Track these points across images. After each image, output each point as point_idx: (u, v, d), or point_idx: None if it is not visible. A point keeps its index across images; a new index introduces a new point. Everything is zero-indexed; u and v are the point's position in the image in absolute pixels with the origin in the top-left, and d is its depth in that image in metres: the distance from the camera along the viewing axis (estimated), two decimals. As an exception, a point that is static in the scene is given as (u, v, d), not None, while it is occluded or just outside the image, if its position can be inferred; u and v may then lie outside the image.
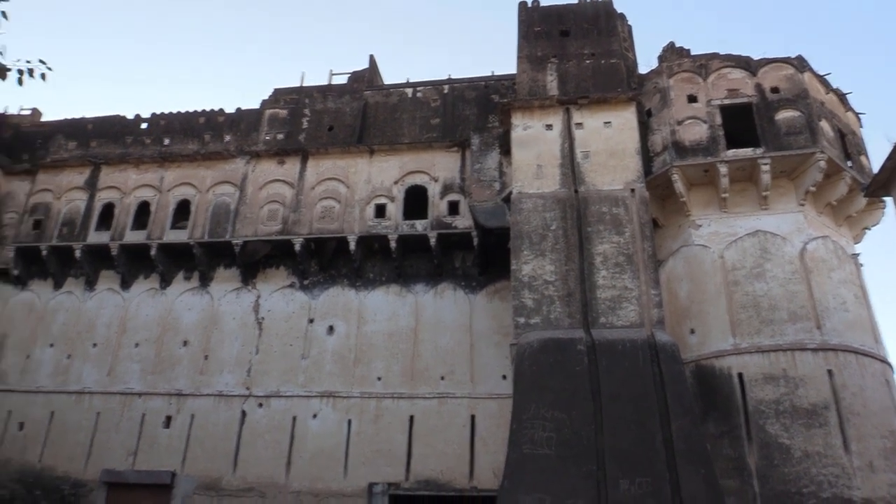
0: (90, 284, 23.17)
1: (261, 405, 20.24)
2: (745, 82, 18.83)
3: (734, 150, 17.82)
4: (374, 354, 20.33)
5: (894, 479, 14.86)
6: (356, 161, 22.25)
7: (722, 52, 19.53)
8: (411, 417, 19.33)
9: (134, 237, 22.62)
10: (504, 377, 19.03)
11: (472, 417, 19.03)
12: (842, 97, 20.23)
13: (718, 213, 18.14)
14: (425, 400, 19.49)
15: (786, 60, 18.94)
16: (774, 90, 18.53)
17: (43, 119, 27.70)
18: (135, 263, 22.89)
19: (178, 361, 21.37)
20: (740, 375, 16.20)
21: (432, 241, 20.59)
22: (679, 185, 18.04)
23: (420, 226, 20.87)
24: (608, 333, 16.13)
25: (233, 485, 19.32)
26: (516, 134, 19.27)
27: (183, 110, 25.67)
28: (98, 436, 20.69)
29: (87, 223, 23.23)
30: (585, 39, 20.85)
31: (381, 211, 21.39)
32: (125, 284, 22.88)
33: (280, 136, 24.04)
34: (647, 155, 18.77)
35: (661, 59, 20.49)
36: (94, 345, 22.13)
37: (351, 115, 24.06)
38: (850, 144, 19.08)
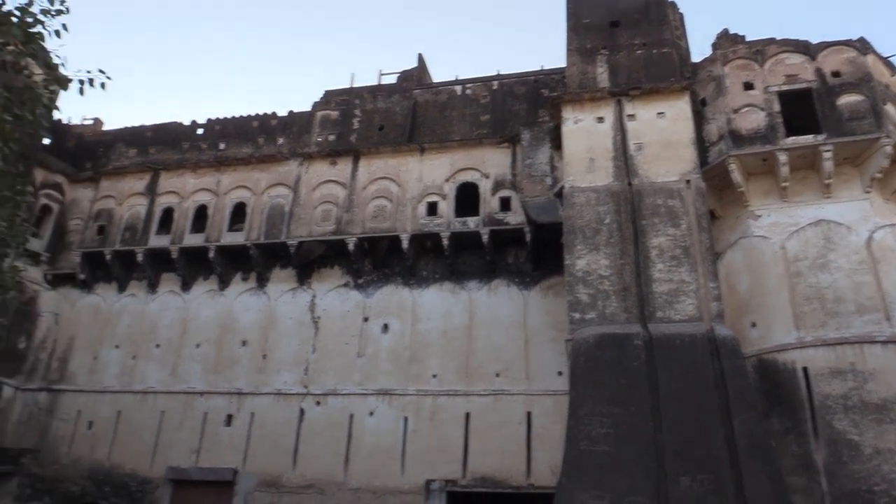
0: (152, 287, 23.87)
1: (318, 403, 20.54)
2: (804, 67, 18.20)
3: (794, 137, 17.24)
4: (429, 352, 20.42)
5: (972, 476, 14.20)
6: (407, 160, 22.36)
7: (779, 37, 18.96)
8: (467, 415, 19.35)
9: (193, 240, 23.19)
10: (560, 373, 18.87)
11: (528, 414, 18.94)
12: (907, 80, 19.41)
13: (779, 203, 17.57)
14: (481, 397, 19.48)
15: (847, 43, 18.23)
16: (835, 74, 17.86)
17: (104, 128, 28.61)
18: (194, 266, 23.47)
19: (238, 361, 21.84)
20: (805, 370, 15.66)
21: (484, 238, 20.55)
22: (736, 175, 17.55)
23: (472, 223, 20.86)
24: (665, 328, 15.83)
25: (293, 482, 19.65)
26: (567, 128, 19.05)
27: (237, 115, 26.24)
28: (162, 434, 21.33)
29: (148, 227, 23.93)
30: (636, 29, 20.46)
31: (432, 209, 21.45)
32: (185, 286, 23.51)
33: (332, 138, 24.35)
34: (702, 145, 18.33)
35: (714, 46, 19.97)
36: (157, 345, 22.81)
37: (401, 114, 24.22)
38: (917, 129, 18.30)
